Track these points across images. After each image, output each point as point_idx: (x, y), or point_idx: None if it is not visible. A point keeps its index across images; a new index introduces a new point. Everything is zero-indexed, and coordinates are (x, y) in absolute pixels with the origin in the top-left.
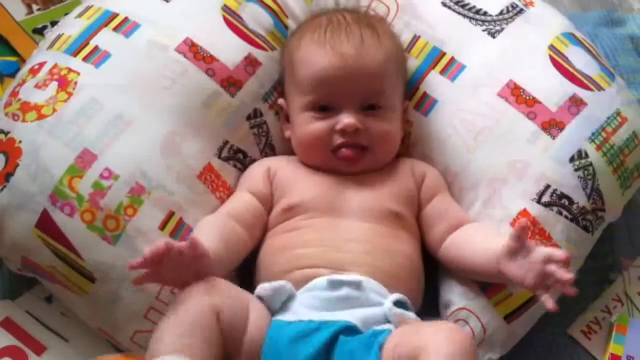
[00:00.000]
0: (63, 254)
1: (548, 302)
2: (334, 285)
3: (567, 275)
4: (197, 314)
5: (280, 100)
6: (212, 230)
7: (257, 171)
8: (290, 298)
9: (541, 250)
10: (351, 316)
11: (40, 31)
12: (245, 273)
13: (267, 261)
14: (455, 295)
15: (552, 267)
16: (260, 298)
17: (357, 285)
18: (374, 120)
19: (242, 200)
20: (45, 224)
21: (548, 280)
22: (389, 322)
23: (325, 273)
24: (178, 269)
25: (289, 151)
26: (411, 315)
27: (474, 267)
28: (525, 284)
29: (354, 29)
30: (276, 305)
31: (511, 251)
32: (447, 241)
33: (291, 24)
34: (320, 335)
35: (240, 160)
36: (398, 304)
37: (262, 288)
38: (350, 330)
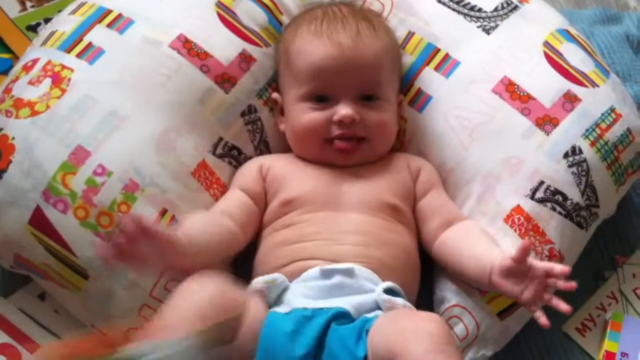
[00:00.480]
0: (56, 251)
1: (542, 318)
2: (326, 274)
3: (569, 284)
4: (209, 293)
5: (275, 95)
6: (197, 220)
7: (250, 169)
8: (285, 290)
9: (540, 266)
10: (344, 303)
11: (34, 28)
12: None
13: (267, 257)
14: (449, 293)
15: (552, 280)
16: (255, 292)
17: (349, 273)
18: (370, 110)
19: (235, 198)
20: (38, 220)
21: (545, 295)
22: (380, 309)
23: (321, 264)
24: (148, 250)
25: (283, 148)
26: (400, 301)
27: (465, 274)
28: (522, 298)
29: (350, 20)
30: (272, 298)
31: (509, 271)
32: (440, 239)
33: (286, 20)
34: (314, 324)
35: (235, 157)
36: (390, 291)
37: (256, 282)
38: (343, 316)
